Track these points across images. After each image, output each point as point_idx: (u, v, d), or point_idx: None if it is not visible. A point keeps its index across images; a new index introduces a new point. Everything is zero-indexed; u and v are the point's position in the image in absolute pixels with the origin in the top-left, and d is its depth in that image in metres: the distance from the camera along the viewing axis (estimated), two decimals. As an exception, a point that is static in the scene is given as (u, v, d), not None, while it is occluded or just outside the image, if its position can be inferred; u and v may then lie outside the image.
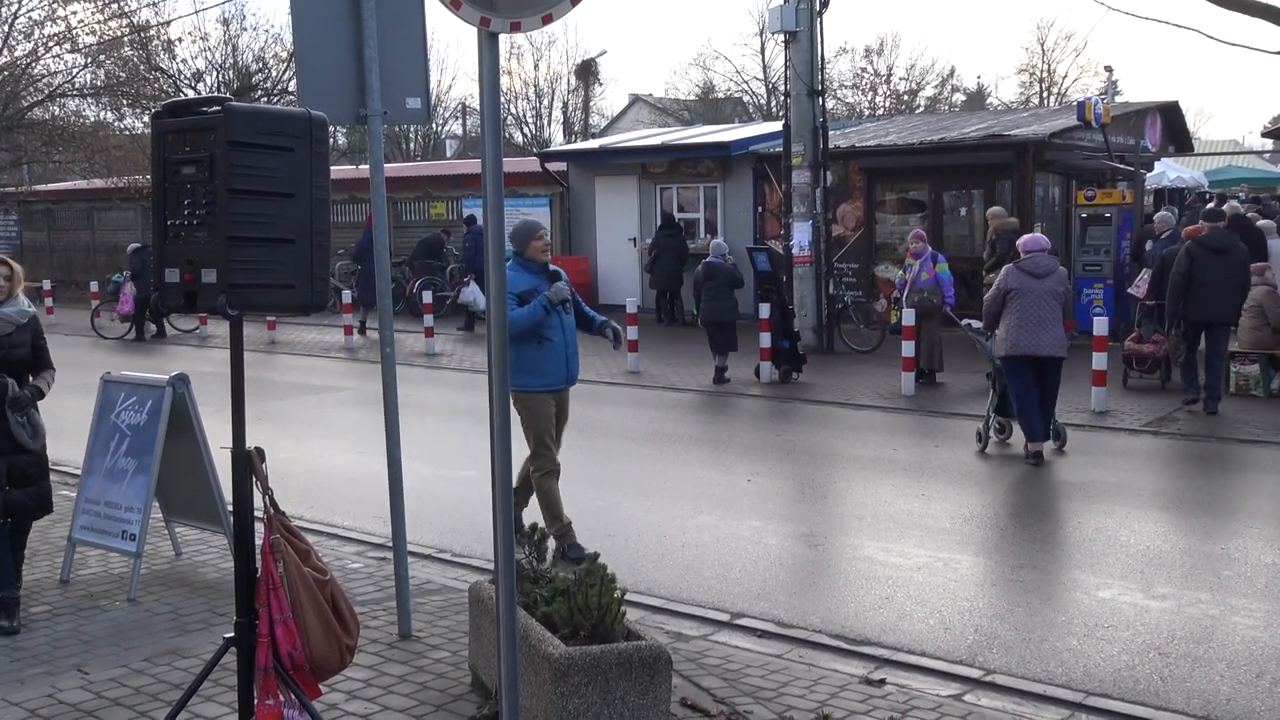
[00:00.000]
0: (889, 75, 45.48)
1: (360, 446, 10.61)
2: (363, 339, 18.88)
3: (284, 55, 32.69)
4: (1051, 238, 18.39)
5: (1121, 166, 17.90)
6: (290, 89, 31.15)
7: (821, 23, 16.38)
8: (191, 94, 31.41)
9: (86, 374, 5.11)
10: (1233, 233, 11.97)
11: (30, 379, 6.01)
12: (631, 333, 14.98)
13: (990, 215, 16.00)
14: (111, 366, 8.45)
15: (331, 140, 4.11)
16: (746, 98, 46.60)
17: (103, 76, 28.01)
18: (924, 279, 13.32)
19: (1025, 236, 10.43)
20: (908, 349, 12.96)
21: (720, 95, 47.37)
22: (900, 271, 14.11)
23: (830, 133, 17.14)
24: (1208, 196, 22.52)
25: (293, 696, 4.07)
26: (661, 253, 19.35)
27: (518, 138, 44.84)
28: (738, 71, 47.59)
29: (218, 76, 34.96)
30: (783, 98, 17.63)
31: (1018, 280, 9.71)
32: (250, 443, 4.09)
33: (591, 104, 48.59)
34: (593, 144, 26.30)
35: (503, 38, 3.62)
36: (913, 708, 4.99)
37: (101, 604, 6.33)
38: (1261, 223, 14.30)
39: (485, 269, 3.62)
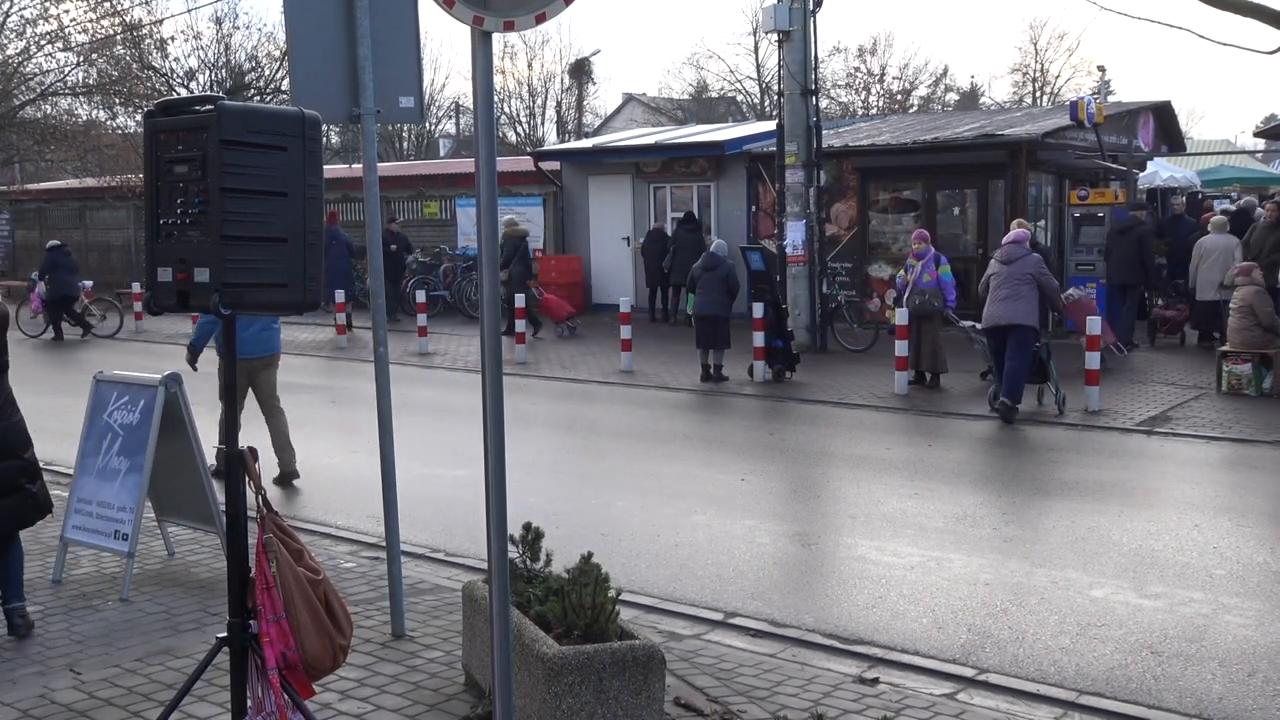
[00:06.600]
0: (882, 75, 45.54)
1: (353, 446, 10.60)
2: (349, 335, 18.85)
3: (277, 54, 32.63)
4: (1044, 237, 18.66)
5: (1114, 166, 17.94)
6: (283, 88, 31.11)
7: (815, 22, 16.38)
8: (184, 92, 31.34)
9: (77, 374, 5.09)
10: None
11: None
12: (625, 332, 14.98)
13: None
14: (103, 366, 8.44)
15: (325, 139, 4.08)
16: (740, 97, 46.66)
17: (95, 75, 27.90)
18: (925, 280, 13.12)
19: (1011, 231, 12.08)
20: (901, 348, 12.94)
21: (714, 95, 47.38)
22: (902, 271, 13.99)
23: (824, 132, 17.13)
24: (1200, 196, 22.64)
25: (286, 697, 4.07)
26: (680, 248, 19.20)
27: (511, 137, 44.82)
28: (731, 71, 47.78)
29: (210, 75, 34.92)
30: (776, 97, 17.63)
31: (994, 267, 11.65)
32: (243, 442, 4.09)
33: (585, 103, 48.61)
34: (586, 143, 26.29)
35: (496, 37, 3.61)
36: (906, 707, 5.00)
37: (94, 604, 6.32)
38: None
39: (475, 265, 3.60)
